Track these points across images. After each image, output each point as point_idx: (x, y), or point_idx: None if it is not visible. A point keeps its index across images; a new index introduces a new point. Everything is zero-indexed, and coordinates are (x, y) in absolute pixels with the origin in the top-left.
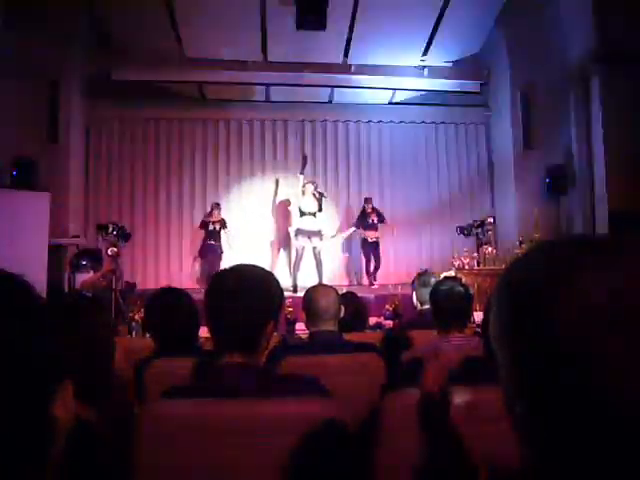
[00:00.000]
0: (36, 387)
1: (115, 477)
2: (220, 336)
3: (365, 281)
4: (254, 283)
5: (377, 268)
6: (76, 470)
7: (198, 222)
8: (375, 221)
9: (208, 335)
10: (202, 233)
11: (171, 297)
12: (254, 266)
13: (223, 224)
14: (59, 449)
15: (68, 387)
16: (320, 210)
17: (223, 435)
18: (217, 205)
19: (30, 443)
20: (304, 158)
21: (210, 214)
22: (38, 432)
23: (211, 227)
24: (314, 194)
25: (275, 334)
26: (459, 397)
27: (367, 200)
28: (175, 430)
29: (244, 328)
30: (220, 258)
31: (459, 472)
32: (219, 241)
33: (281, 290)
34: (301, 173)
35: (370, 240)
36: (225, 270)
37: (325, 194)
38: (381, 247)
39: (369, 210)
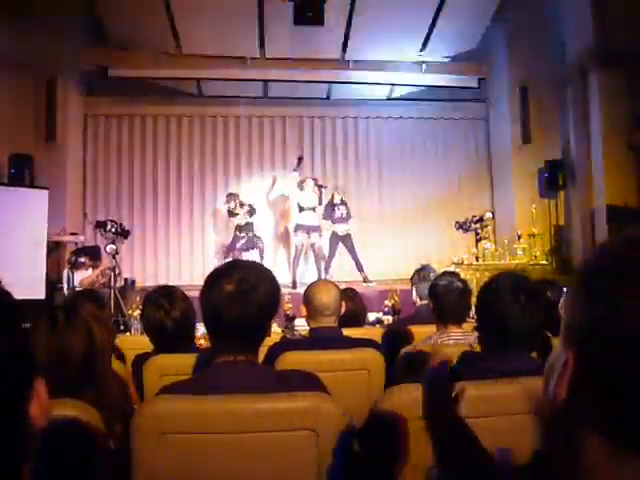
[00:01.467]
0: (8, 388)
1: (115, 474)
2: (218, 337)
3: (332, 277)
4: (252, 284)
5: (359, 264)
6: (72, 468)
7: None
8: (344, 215)
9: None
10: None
11: (167, 295)
12: (251, 264)
13: (251, 212)
14: (34, 447)
15: (41, 386)
16: (321, 204)
17: (222, 431)
18: (232, 195)
19: (8, 444)
20: (299, 158)
21: (235, 206)
22: (16, 433)
23: (239, 218)
24: (314, 189)
25: (276, 330)
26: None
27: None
28: (174, 427)
29: (243, 331)
30: (254, 250)
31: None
32: (249, 233)
33: (278, 287)
34: (294, 170)
35: (341, 233)
36: (221, 269)
37: (325, 185)
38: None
39: (337, 202)
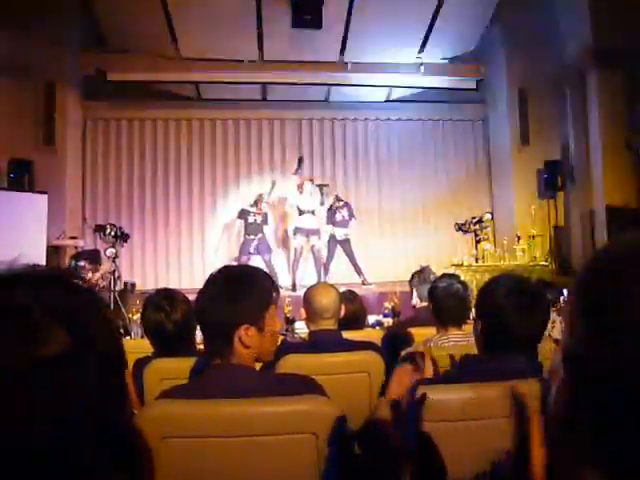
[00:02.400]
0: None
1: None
2: (204, 340)
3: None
4: (226, 287)
5: (357, 267)
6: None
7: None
8: (346, 217)
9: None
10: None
11: (168, 298)
12: (242, 268)
13: (265, 219)
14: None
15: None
16: (322, 204)
17: (223, 435)
18: (261, 196)
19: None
20: (300, 160)
21: (255, 205)
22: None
23: (251, 219)
24: (314, 191)
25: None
26: (435, 395)
27: (335, 195)
28: (174, 431)
29: (211, 332)
30: (263, 255)
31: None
32: (259, 235)
33: (268, 294)
34: (294, 174)
35: (339, 238)
36: (214, 273)
37: (326, 184)
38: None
39: (338, 205)
